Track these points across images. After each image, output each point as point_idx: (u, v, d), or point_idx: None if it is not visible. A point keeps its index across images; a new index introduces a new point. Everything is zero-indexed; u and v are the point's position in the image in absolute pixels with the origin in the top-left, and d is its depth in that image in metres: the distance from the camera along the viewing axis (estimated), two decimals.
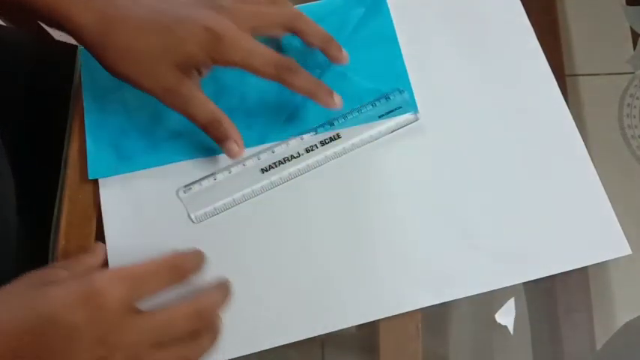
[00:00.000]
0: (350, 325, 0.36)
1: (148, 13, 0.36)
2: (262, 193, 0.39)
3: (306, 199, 0.39)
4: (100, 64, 0.37)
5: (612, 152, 0.41)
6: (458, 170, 0.40)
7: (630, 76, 0.43)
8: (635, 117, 0.42)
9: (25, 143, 0.48)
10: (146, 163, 0.40)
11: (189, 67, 0.37)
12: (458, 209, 0.39)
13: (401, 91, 0.41)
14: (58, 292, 0.28)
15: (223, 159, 0.40)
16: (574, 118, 0.41)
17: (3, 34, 0.51)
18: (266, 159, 0.40)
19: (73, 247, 0.39)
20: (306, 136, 0.40)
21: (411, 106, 0.41)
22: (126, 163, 0.40)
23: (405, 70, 0.42)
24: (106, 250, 0.38)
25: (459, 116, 0.41)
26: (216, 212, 0.39)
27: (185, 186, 0.39)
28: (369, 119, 0.41)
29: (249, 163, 0.40)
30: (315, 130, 0.40)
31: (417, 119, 0.41)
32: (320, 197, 0.39)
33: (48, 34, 0.39)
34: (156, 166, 0.40)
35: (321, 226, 0.39)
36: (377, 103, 0.41)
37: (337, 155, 0.40)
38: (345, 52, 0.40)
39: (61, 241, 0.39)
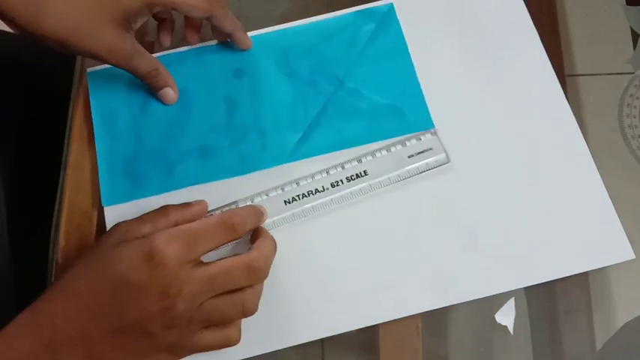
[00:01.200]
0: (355, 328, 0.37)
1: None
2: (284, 224, 0.39)
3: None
4: (39, 40, 0.36)
5: (612, 152, 0.41)
6: (461, 174, 0.40)
7: (630, 76, 0.43)
8: (635, 117, 0.42)
9: (25, 144, 0.48)
10: (161, 187, 0.40)
11: (128, 21, 0.37)
12: (461, 213, 0.39)
13: (432, 133, 0.40)
14: (125, 254, 0.31)
15: (244, 184, 0.40)
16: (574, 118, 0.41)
17: (2, 37, 0.51)
18: (290, 191, 0.39)
19: (73, 247, 0.39)
20: (332, 171, 0.40)
21: (426, 121, 0.41)
22: (140, 189, 0.40)
23: (419, 85, 0.42)
24: (206, 207, 0.38)
25: (466, 121, 0.41)
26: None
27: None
28: (398, 158, 0.40)
29: (272, 194, 0.39)
30: (342, 166, 0.40)
31: (448, 161, 0.40)
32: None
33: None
34: (172, 190, 0.40)
35: (322, 227, 0.39)
36: (407, 143, 0.40)
37: (363, 192, 0.39)
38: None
39: (61, 241, 0.39)
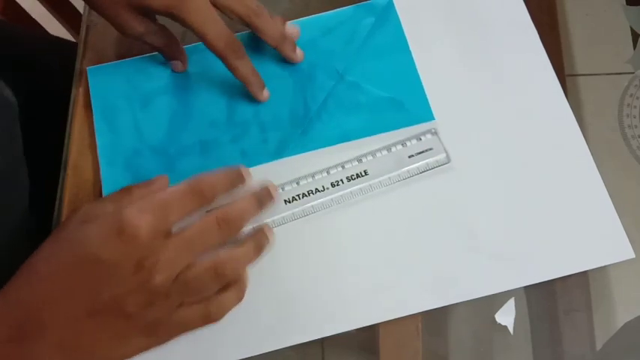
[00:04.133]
0: (355, 328, 0.37)
1: None
2: (284, 224, 0.39)
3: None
4: None
5: (612, 152, 0.41)
6: (461, 173, 0.40)
7: (630, 76, 0.43)
8: (635, 117, 0.42)
9: (25, 144, 0.48)
10: None
11: (147, 12, 0.38)
12: (461, 212, 0.39)
13: (433, 133, 0.40)
14: (94, 231, 0.30)
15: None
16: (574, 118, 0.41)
17: (3, 34, 0.51)
18: (290, 190, 0.39)
19: None
20: (332, 171, 0.40)
21: (427, 113, 0.41)
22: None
23: (418, 77, 0.42)
24: (167, 181, 0.38)
25: (466, 118, 0.41)
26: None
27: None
28: (399, 158, 0.40)
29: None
30: (343, 166, 0.40)
31: (448, 161, 0.40)
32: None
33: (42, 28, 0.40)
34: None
35: (322, 226, 0.39)
36: (407, 143, 0.40)
37: (363, 192, 0.39)
38: (299, 50, 0.42)
39: None
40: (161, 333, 0.32)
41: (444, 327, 0.38)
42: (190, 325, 0.33)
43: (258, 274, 0.37)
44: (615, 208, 0.38)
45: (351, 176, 0.39)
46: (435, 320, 0.37)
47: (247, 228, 0.34)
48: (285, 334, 0.36)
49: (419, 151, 0.40)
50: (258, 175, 0.40)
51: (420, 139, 0.40)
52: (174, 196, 0.31)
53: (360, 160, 0.40)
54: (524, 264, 0.37)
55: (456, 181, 0.40)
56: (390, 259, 0.38)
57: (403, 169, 0.39)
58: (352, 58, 0.43)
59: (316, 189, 0.39)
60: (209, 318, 0.32)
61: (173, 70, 0.43)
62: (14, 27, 0.39)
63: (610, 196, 0.39)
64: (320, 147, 0.41)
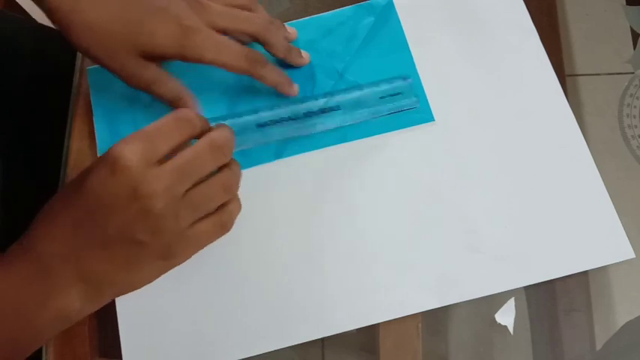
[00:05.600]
0: (355, 328, 0.37)
1: None
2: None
3: (308, 192, 0.40)
4: (66, 39, 0.36)
5: (612, 152, 0.41)
6: (462, 173, 0.40)
7: (630, 76, 0.43)
8: (635, 117, 0.42)
9: (25, 144, 0.48)
10: None
11: (155, 57, 0.37)
12: (461, 212, 0.39)
13: (404, 78, 0.41)
14: (90, 171, 0.31)
15: (245, 178, 0.39)
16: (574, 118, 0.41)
17: (3, 28, 0.51)
18: (265, 115, 0.40)
19: None
20: (307, 103, 0.41)
21: (426, 114, 0.41)
22: None
23: (418, 77, 0.42)
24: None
25: (466, 119, 0.41)
26: None
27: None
28: (371, 99, 0.41)
29: (246, 117, 0.40)
30: (316, 98, 0.41)
31: (417, 105, 0.41)
32: (322, 190, 0.40)
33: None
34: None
35: (323, 226, 0.39)
36: (381, 84, 0.41)
37: (335, 125, 0.41)
38: (305, 54, 0.42)
39: None
40: (177, 254, 0.33)
41: (444, 327, 0.38)
42: (205, 240, 0.34)
43: (258, 274, 0.38)
44: (615, 208, 0.38)
45: (325, 109, 0.41)
46: (435, 320, 0.37)
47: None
48: (285, 334, 0.36)
49: (391, 94, 0.41)
50: (259, 174, 0.40)
51: (392, 82, 0.41)
52: (160, 126, 0.32)
53: (332, 95, 0.41)
54: (524, 264, 0.37)
55: (456, 181, 0.40)
56: (390, 259, 0.38)
57: (374, 109, 0.41)
58: (352, 58, 0.43)
59: (289, 117, 0.40)
60: (224, 227, 0.34)
61: None
62: (14, 27, 0.39)
63: (610, 196, 0.39)
64: (320, 147, 0.41)
